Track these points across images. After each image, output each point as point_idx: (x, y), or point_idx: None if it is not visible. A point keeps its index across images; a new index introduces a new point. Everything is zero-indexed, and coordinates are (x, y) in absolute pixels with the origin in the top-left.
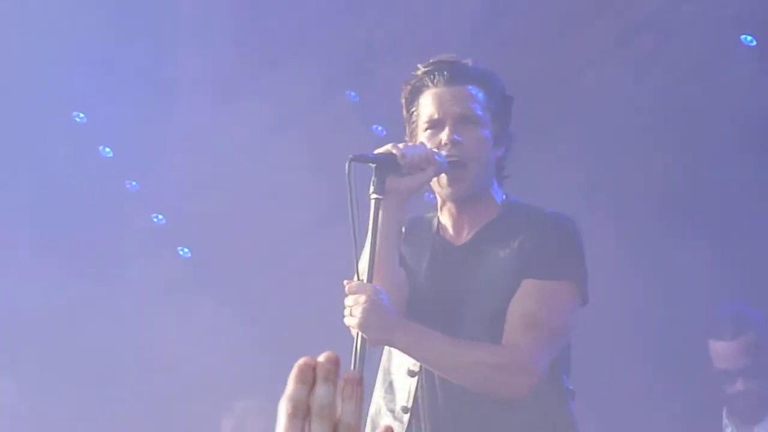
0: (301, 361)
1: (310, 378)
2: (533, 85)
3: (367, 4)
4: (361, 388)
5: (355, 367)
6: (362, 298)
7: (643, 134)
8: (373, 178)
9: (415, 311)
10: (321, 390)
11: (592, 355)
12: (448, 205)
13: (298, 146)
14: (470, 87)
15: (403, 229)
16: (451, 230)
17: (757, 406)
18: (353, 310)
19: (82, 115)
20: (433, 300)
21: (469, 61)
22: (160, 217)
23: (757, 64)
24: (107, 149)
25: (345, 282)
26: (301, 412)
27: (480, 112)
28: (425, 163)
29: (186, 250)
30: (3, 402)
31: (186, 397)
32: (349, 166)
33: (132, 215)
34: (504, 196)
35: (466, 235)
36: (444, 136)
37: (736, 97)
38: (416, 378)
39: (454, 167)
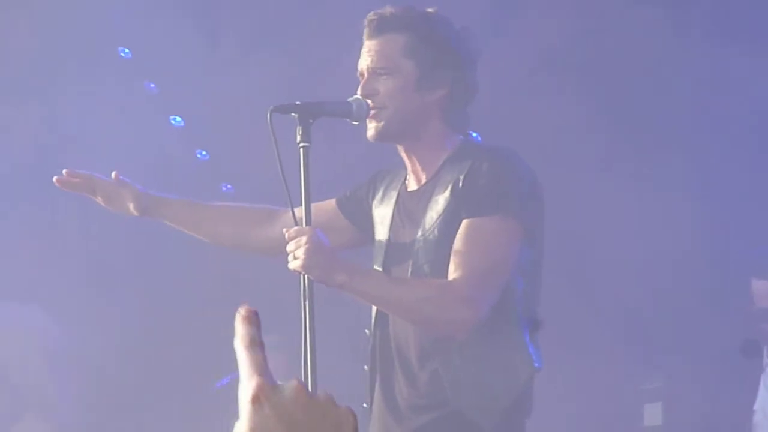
0: (245, 311)
1: (256, 321)
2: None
3: None
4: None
5: (305, 309)
6: (303, 239)
7: None
8: (297, 127)
9: (377, 262)
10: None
11: (629, 291)
12: (402, 155)
13: None
14: (390, 36)
15: (380, 191)
16: (411, 179)
17: None
18: (295, 253)
19: (127, 50)
20: (391, 249)
21: (404, 8)
22: (204, 152)
23: None
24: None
25: (284, 230)
26: (258, 343)
27: (393, 62)
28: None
29: (229, 186)
30: (34, 330)
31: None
32: (270, 117)
33: (177, 151)
34: (460, 138)
35: (419, 182)
36: (359, 90)
37: None
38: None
39: (372, 117)
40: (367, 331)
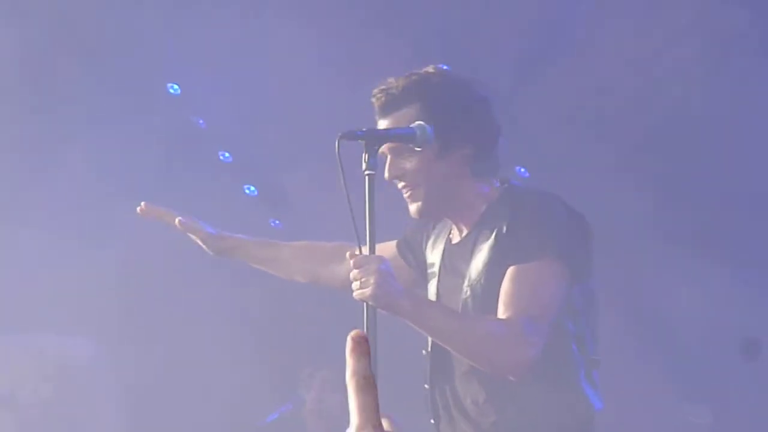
0: (355, 334)
1: (367, 350)
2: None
3: None
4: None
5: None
6: (371, 268)
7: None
8: (364, 154)
9: None
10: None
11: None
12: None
13: None
14: (401, 112)
15: (432, 238)
16: (455, 231)
17: None
18: (364, 282)
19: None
20: (439, 299)
21: (410, 77)
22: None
23: None
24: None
25: (348, 254)
26: (371, 383)
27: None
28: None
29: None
30: (80, 361)
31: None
32: (338, 144)
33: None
34: (497, 185)
35: (461, 235)
36: (386, 172)
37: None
38: (429, 359)
39: (409, 196)
40: (426, 386)
